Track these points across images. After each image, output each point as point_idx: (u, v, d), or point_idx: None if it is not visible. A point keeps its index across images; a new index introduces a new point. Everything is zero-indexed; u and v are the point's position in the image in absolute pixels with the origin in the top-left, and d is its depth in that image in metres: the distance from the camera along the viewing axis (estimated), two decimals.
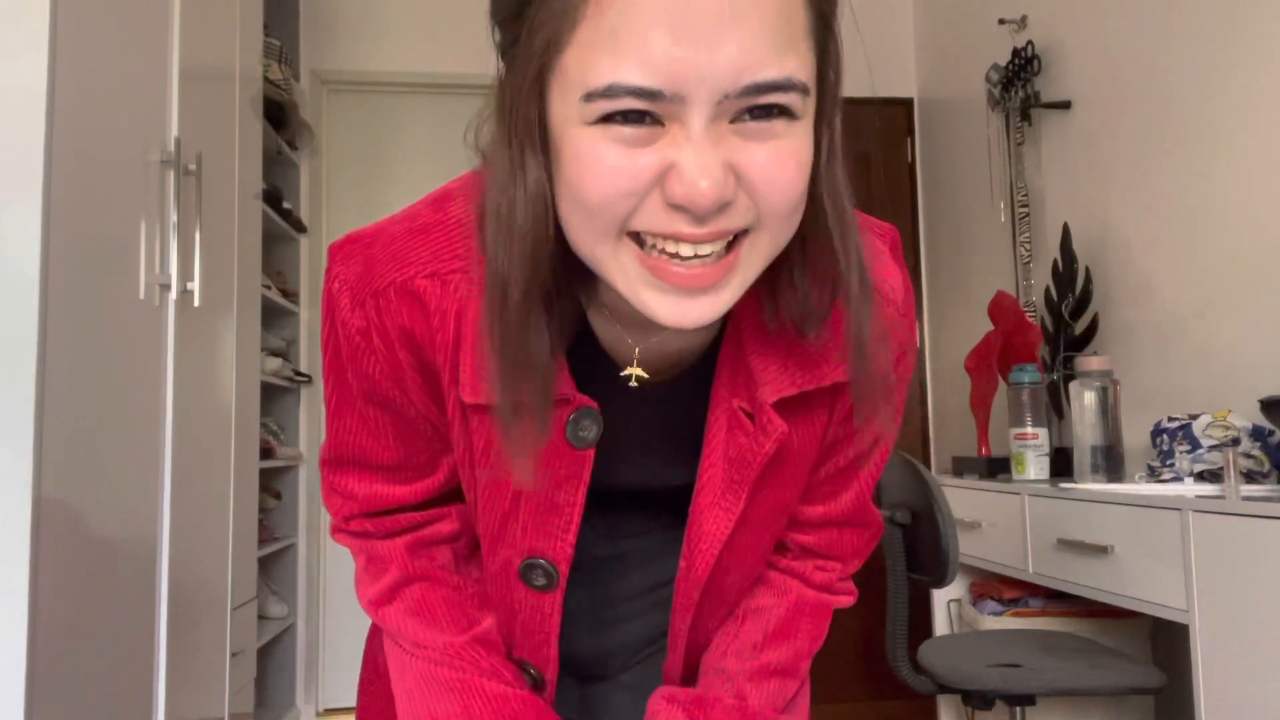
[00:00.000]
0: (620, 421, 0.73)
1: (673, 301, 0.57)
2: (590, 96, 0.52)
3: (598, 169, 0.54)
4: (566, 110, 0.55)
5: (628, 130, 0.53)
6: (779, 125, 0.54)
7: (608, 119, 0.53)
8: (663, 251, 0.56)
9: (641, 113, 0.53)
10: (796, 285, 0.64)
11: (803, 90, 0.53)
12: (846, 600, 0.86)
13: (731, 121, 0.54)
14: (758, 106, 0.53)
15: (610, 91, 0.52)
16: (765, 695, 0.79)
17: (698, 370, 0.73)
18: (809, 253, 0.62)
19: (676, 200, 0.54)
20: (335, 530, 0.82)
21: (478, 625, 0.78)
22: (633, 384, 0.69)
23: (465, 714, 0.74)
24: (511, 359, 0.62)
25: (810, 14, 0.54)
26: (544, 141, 0.57)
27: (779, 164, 0.54)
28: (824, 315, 0.64)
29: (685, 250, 0.56)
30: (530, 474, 0.68)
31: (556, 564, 0.74)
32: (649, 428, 0.75)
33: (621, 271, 0.58)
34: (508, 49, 0.59)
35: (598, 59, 0.52)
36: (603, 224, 0.56)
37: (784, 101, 0.53)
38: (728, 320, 0.70)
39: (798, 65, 0.53)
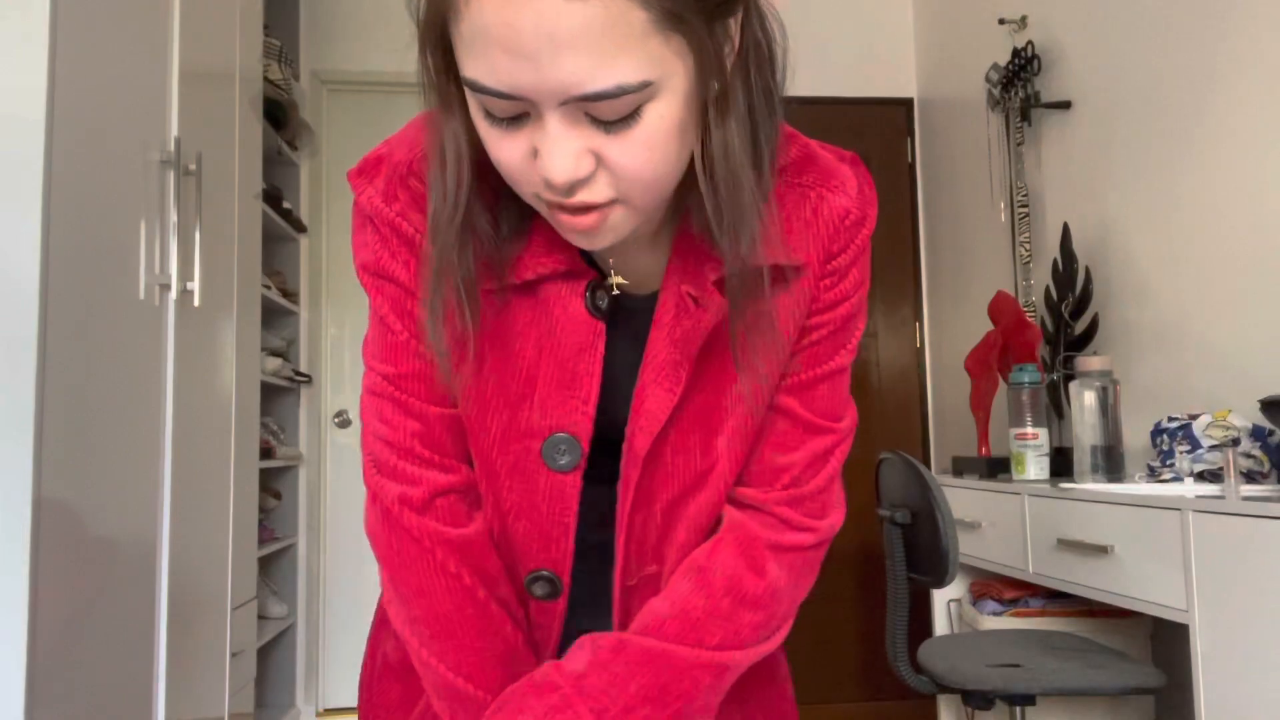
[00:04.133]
0: (610, 338, 0.76)
1: (574, 235, 0.66)
2: (465, 82, 0.60)
3: (487, 141, 0.63)
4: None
5: (497, 117, 0.61)
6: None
7: (480, 102, 0.61)
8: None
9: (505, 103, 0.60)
10: (695, 210, 0.70)
11: (639, 88, 0.58)
12: (804, 536, 0.80)
13: (585, 113, 0.59)
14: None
15: (474, 86, 0.59)
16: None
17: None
18: (711, 197, 0.67)
19: (542, 177, 0.62)
20: (381, 512, 0.78)
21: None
22: (614, 291, 0.76)
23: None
24: (441, 263, 0.70)
25: (651, 13, 0.57)
26: (460, 90, 0.64)
27: (630, 152, 0.61)
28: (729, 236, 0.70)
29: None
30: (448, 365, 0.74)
31: (579, 438, 0.76)
32: (630, 348, 0.78)
33: (538, 207, 0.66)
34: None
35: (463, 55, 0.59)
36: (510, 184, 0.65)
37: (617, 108, 0.59)
38: (679, 224, 0.75)
39: (634, 66, 0.57)
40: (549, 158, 0.60)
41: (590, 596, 0.84)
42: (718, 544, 0.80)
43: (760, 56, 0.66)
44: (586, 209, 0.63)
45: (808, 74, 0.74)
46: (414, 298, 0.75)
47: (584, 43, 0.56)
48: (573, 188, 0.62)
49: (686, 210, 0.73)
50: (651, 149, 0.61)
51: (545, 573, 0.81)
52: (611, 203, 0.63)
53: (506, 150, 0.62)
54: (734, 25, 0.64)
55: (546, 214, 0.66)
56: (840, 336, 0.80)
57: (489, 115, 0.61)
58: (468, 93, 0.62)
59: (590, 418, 0.76)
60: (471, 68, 0.59)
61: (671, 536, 0.81)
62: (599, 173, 0.62)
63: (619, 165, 0.61)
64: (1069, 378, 2.34)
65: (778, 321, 0.76)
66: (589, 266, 0.75)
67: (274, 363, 3.04)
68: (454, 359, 0.74)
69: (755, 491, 0.81)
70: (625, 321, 0.78)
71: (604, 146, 0.61)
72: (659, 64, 0.59)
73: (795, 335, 0.78)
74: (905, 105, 3.79)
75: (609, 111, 0.59)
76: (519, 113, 0.60)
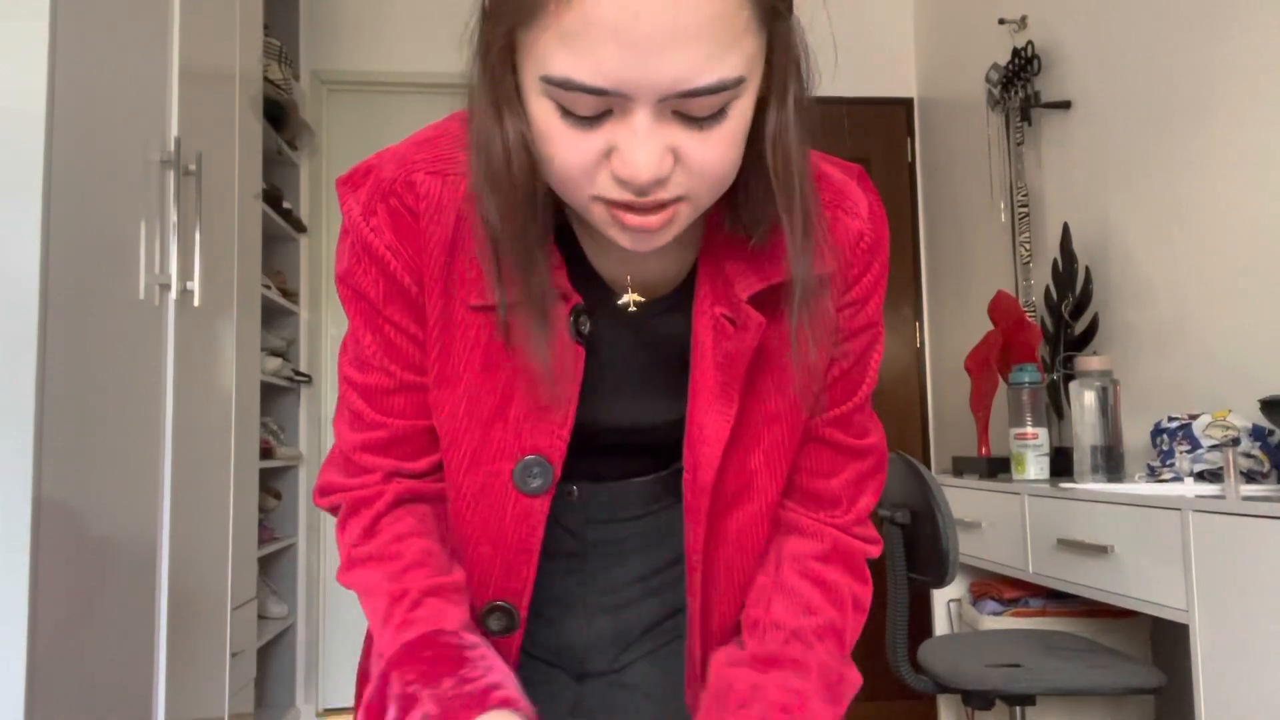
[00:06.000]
0: (608, 345, 0.77)
1: (632, 236, 0.65)
2: (548, 80, 0.58)
3: (553, 142, 0.61)
4: (529, 78, 0.61)
5: (579, 115, 0.60)
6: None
7: (562, 100, 0.59)
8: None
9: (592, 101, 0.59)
10: (741, 209, 0.71)
11: (735, 84, 0.59)
12: (874, 549, 0.86)
13: (674, 110, 0.59)
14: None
15: (566, 84, 0.58)
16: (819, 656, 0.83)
17: (680, 292, 0.78)
18: (758, 186, 0.68)
19: (621, 176, 0.61)
20: (320, 493, 0.81)
21: (446, 575, 0.77)
22: (631, 309, 0.76)
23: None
24: (512, 265, 0.69)
25: (754, 11, 0.58)
26: (519, 95, 0.63)
27: (711, 150, 0.61)
28: (769, 226, 0.71)
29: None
30: (547, 362, 0.72)
31: (553, 462, 0.76)
32: (635, 353, 0.78)
33: (592, 213, 0.65)
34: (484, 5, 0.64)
35: (555, 52, 0.57)
36: (567, 186, 0.64)
37: (711, 104, 0.59)
38: (703, 240, 0.75)
39: (735, 63, 0.58)
40: (634, 155, 0.59)
41: (555, 644, 0.84)
42: (826, 559, 0.82)
43: (799, 66, 0.67)
44: (658, 206, 0.63)
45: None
46: (381, 314, 0.75)
47: (699, 37, 0.56)
48: (650, 186, 0.61)
49: (707, 227, 0.73)
50: (730, 147, 0.62)
51: (502, 604, 0.80)
52: (679, 200, 0.63)
53: (578, 150, 0.61)
54: (788, 32, 0.65)
55: (601, 216, 0.64)
56: (865, 360, 0.82)
57: (567, 115, 0.60)
58: (539, 92, 0.60)
59: (565, 442, 0.75)
60: (566, 64, 0.57)
61: (713, 553, 0.81)
62: (675, 170, 0.62)
63: (698, 162, 0.61)
64: (1069, 378, 2.34)
65: (802, 337, 0.76)
66: (575, 290, 0.74)
67: (274, 363, 3.04)
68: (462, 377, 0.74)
69: (828, 515, 0.83)
70: (633, 329, 0.78)
71: (685, 144, 0.60)
72: (750, 62, 0.59)
73: (820, 356, 0.78)
74: (905, 105, 3.79)
75: (703, 108, 0.59)
76: (604, 110, 0.59)
